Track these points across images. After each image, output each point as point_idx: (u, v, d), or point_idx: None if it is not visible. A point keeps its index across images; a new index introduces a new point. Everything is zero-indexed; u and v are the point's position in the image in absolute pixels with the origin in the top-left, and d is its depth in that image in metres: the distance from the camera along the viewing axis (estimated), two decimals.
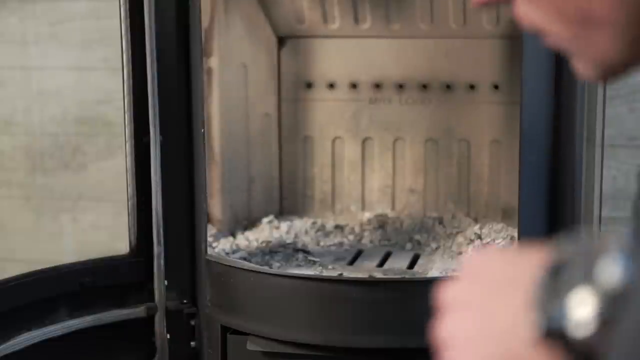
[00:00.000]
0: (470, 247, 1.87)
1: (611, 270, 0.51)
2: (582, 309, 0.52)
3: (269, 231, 2.02)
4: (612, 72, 0.61)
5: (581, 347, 0.52)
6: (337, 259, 1.89)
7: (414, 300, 1.61)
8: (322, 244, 1.97)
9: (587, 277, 0.52)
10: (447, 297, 0.60)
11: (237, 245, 1.93)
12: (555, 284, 0.54)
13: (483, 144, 2.06)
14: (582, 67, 0.62)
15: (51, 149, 2.26)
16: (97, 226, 2.27)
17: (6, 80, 2.26)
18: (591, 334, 0.52)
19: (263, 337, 1.68)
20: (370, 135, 2.12)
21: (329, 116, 2.13)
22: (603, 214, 1.95)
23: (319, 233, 2.02)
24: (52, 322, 1.73)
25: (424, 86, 2.07)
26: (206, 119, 1.81)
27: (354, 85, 2.10)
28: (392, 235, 2.01)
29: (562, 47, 0.62)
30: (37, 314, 1.71)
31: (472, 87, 2.05)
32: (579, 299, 0.52)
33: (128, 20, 1.74)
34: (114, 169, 2.17)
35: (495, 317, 0.56)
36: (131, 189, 1.79)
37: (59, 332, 1.73)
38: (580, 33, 0.60)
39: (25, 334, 1.69)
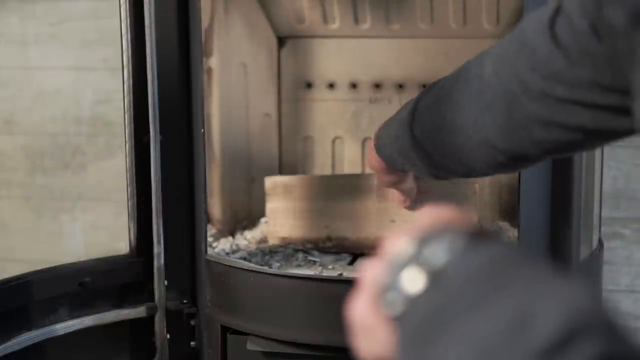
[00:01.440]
0: None
1: (437, 253, 0.56)
2: (410, 286, 0.57)
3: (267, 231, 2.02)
4: None
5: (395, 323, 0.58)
6: (337, 259, 1.89)
7: None
8: (322, 244, 1.97)
9: (417, 259, 0.57)
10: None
11: (237, 245, 1.93)
12: (393, 269, 0.59)
13: None
14: None
15: (51, 149, 2.26)
16: (97, 226, 2.27)
17: (6, 80, 2.26)
18: (399, 314, 0.57)
19: (263, 337, 1.68)
20: (370, 135, 2.12)
21: (329, 116, 2.13)
22: (603, 214, 1.95)
23: None
24: (52, 322, 1.73)
25: (424, 86, 2.07)
26: (206, 119, 1.81)
27: (354, 85, 2.10)
28: None
29: None
30: (37, 314, 1.71)
31: None
32: (409, 277, 0.57)
33: (128, 20, 1.74)
34: (114, 169, 2.17)
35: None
36: (131, 189, 1.79)
37: (59, 332, 1.73)
38: None
39: (25, 334, 1.69)
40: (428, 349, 0.53)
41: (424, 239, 0.58)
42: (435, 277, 0.55)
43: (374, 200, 1.89)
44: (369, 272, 0.64)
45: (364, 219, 1.89)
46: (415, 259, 0.57)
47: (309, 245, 1.92)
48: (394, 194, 1.44)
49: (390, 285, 0.59)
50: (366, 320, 0.63)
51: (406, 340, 0.56)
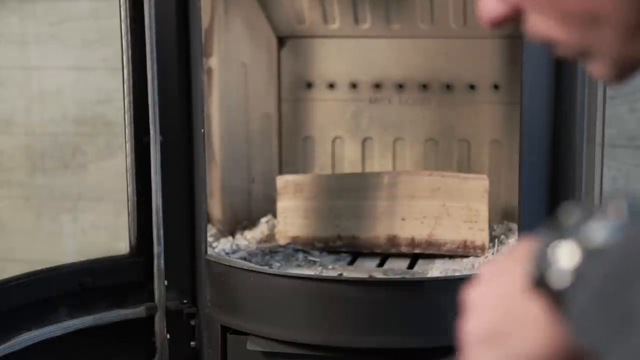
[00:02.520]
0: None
1: (599, 232, 0.55)
2: (563, 260, 0.56)
3: (267, 231, 2.02)
4: (628, 69, 0.61)
5: (560, 297, 0.56)
6: (337, 259, 1.89)
7: (413, 300, 1.61)
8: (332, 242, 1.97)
9: (575, 235, 0.56)
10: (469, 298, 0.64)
11: (237, 245, 1.93)
12: (548, 242, 0.58)
13: (483, 144, 2.06)
14: (598, 70, 0.63)
15: (51, 149, 2.26)
16: (97, 226, 2.27)
17: (6, 80, 2.26)
18: (568, 285, 0.56)
19: (263, 337, 1.68)
20: (370, 135, 2.12)
21: (329, 116, 2.13)
22: None
23: None
24: (52, 322, 1.73)
25: (424, 86, 2.07)
26: (206, 119, 1.81)
27: (354, 85, 2.10)
28: None
29: (575, 53, 0.63)
30: (37, 314, 1.71)
31: (472, 87, 2.05)
32: (563, 251, 0.56)
33: (128, 20, 1.74)
34: (114, 169, 2.17)
35: (501, 287, 0.61)
36: (131, 189, 1.79)
37: (59, 332, 1.73)
38: (590, 35, 0.60)
39: (25, 334, 1.69)
40: (624, 294, 0.52)
41: (570, 222, 0.58)
42: (595, 251, 0.55)
43: (384, 199, 1.89)
44: (500, 263, 0.62)
45: (374, 218, 1.89)
46: (570, 236, 0.57)
47: (319, 244, 1.92)
48: None
49: (544, 263, 0.58)
50: (514, 307, 0.60)
51: (589, 301, 0.54)
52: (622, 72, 0.62)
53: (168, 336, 1.81)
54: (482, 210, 1.86)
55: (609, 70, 0.62)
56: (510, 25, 0.66)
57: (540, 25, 0.63)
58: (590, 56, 0.63)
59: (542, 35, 0.63)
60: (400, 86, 2.08)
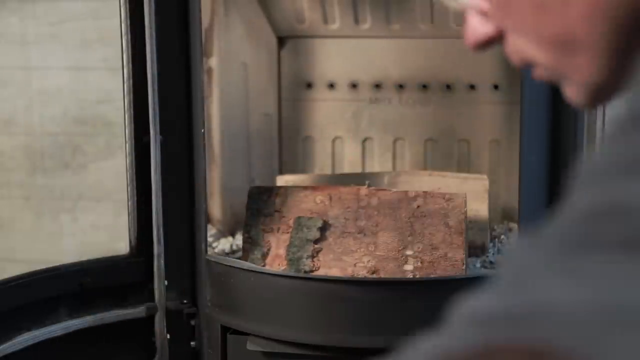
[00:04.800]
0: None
1: None
2: None
3: None
4: (600, 96, 0.61)
5: None
6: None
7: (414, 300, 1.62)
8: None
9: None
10: None
11: (237, 245, 1.93)
12: None
13: (483, 144, 2.06)
14: (573, 94, 0.63)
15: (51, 149, 2.26)
16: (97, 226, 2.27)
17: (6, 80, 2.26)
18: None
19: (263, 337, 1.68)
20: (370, 135, 2.12)
21: (329, 116, 2.13)
22: None
23: None
24: (52, 322, 1.73)
25: (424, 86, 2.07)
26: (206, 119, 1.81)
27: (354, 85, 2.10)
28: None
29: (551, 76, 0.64)
30: (37, 314, 1.71)
31: (472, 87, 2.05)
32: None
33: (128, 20, 1.74)
34: (114, 169, 2.17)
35: None
36: (131, 189, 1.79)
37: (59, 332, 1.73)
38: (564, 59, 0.61)
39: (25, 334, 1.69)
40: None
41: None
42: None
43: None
44: None
45: None
46: None
47: None
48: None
49: None
50: None
51: None
52: (596, 98, 0.62)
53: (168, 336, 1.82)
54: (482, 210, 1.86)
55: (583, 96, 0.62)
56: (493, 47, 0.66)
57: (520, 46, 0.64)
58: (566, 80, 0.63)
59: (521, 57, 0.65)
60: (400, 86, 2.08)
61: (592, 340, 0.41)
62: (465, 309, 0.48)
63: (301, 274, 1.71)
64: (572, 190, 0.50)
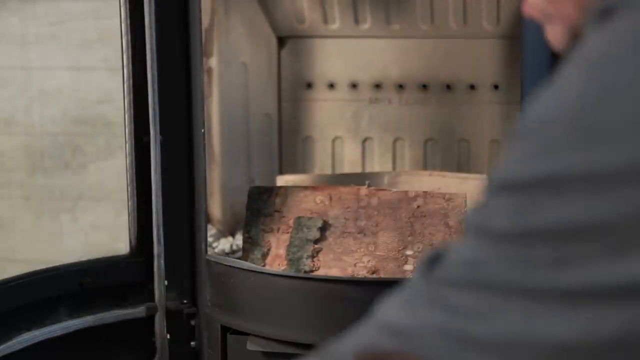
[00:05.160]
0: None
1: None
2: None
3: None
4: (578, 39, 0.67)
5: None
6: None
7: None
8: None
9: None
10: None
11: (237, 245, 1.93)
12: None
13: (483, 144, 2.06)
14: (553, 36, 0.70)
15: (51, 149, 2.26)
16: (97, 226, 2.27)
17: (6, 80, 2.26)
18: None
19: (263, 337, 1.68)
20: (370, 135, 2.12)
21: (329, 116, 2.13)
22: None
23: None
24: (52, 322, 1.73)
25: (424, 86, 2.07)
26: (206, 119, 1.81)
27: (354, 85, 2.10)
28: None
29: (540, 16, 0.70)
30: (37, 314, 1.71)
31: (472, 87, 2.05)
32: None
33: (128, 20, 1.74)
34: (114, 169, 2.17)
35: None
36: (131, 189, 1.79)
37: (59, 332, 1.73)
38: (556, 4, 0.68)
39: (25, 334, 1.69)
40: None
41: None
42: None
43: None
44: None
45: None
46: None
47: None
48: None
49: None
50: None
51: None
52: (574, 40, 0.67)
53: (168, 336, 1.81)
54: None
55: (563, 38, 0.68)
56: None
57: None
58: (550, 22, 0.69)
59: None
60: (400, 86, 2.08)
61: (445, 356, 0.57)
62: (381, 315, 0.66)
63: (301, 274, 1.71)
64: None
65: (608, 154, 0.51)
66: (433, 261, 0.63)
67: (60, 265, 1.79)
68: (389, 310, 0.65)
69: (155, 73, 1.74)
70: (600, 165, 0.51)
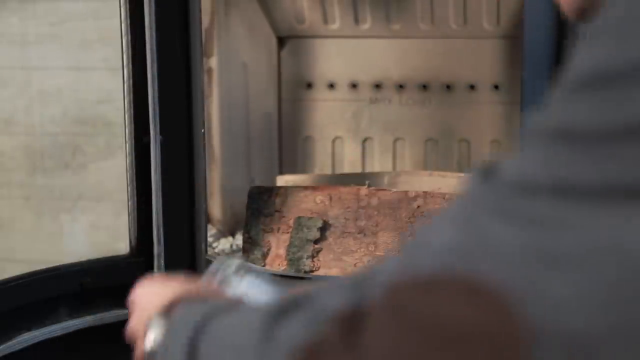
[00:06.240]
0: None
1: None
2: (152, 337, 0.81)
3: None
4: (589, 8, 0.63)
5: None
6: None
7: None
8: None
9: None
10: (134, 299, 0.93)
11: (237, 245, 1.93)
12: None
13: (483, 144, 2.06)
14: (567, 2, 0.65)
15: (51, 149, 2.26)
16: (97, 226, 2.27)
17: (6, 80, 2.26)
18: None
19: None
20: (370, 135, 2.12)
21: (329, 116, 2.13)
22: None
23: None
24: (52, 322, 1.73)
25: (424, 86, 2.07)
26: (206, 119, 1.81)
27: (354, 85, 2.10)
28: None
29: None
30: (37, 314, 1.71)
31: (472, 87, 2.05)
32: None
33: (128, 20, 1.74)
34: (114, 169, 2.17)
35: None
36: (131, 189, 1.79)
37: (59, 332, 1.73)
38: None
39: (25, 334, 1.69)
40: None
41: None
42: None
43: None
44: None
45: None
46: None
47: None
48: None
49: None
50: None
51: None
52: (583, 9, 0.63)
53: None
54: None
55: (574, 4, 0.63)
56: None
57: None
58: None
59: None
60: (400, 86, 2.08)
61: (523, 278, 0.48)
62: (422, 237, 0.54)
63: (301, 274, 1.71)
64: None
65: None
66: (488, 173, 0.54)
67: (60, 265, 1.79)
68: (434, 232, 0.54)
69: (155, 73, 1.74)
70: None
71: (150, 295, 0.88)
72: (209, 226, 1.89)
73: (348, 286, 0.58)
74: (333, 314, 0.56)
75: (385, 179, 1.92)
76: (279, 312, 0.61)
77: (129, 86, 1.76)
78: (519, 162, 0.52)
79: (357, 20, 2.03)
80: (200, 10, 1.74)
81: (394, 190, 1.77)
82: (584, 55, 0.51)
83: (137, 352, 0.86)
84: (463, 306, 0.49)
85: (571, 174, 0.49)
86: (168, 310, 0.81)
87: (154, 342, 0.81)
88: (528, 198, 0.50)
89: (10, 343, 1.66)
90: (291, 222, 1.73)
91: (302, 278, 1.68)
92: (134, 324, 0.89)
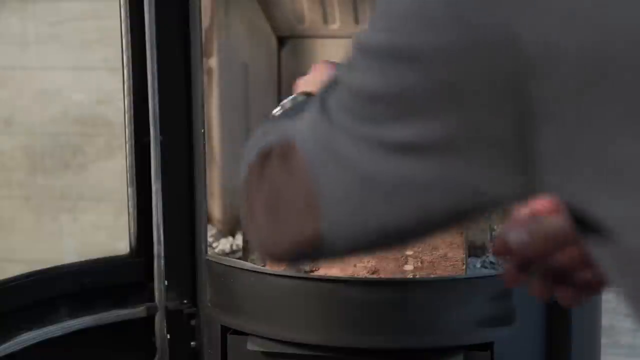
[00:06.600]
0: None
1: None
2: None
3: None
4: None
5: None
6: None
7: (414, 300, 1.61)
8: None
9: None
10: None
11: (237, 245, 1.93)
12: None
13: None
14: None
15: (51, 149, 2.26)
16: (97, 226, 2.27)
17: (6, 80, 2.26)
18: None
19: (263, 337, 1.68)
20: None
21: None
22: None
23: None
24: (52, 322, 1.73)
25: None
26: (206, 119, 1.81)
27: None
28: None
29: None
30: (37, 314, 1.71)
31: None
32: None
33: (128, 20, 1.74)
34: (114, 169, 2.17)
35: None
36: (131, 189, 1.79)
37: (59, 332, 1.73)
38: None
39: (25, 334, 1.69)
40: None
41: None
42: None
43: None
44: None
45: None
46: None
47: None
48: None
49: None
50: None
51: None
52: None
53: (168, 336, 1.81)
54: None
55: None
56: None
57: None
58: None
59: None
60: None
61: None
62: (299, 119, 0.86)
63: (301, 274, 1.71)
64: None
65: (406, 37, 0.70)
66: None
67: (60, 265, 1.79)
68: (302, 119, 0.83)
69: (155, 73, 1.75)
70: (399, 45, 0.71)
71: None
72: (209, 226, 1.89)
73: (273, 131, 0.92)
74: (261, 149, 0.91)
75: None
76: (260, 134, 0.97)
77: (129, 86, 1.76)
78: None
79: (357, 20, 2.03)
80: (200, 10, 1.74)
81: None
82: (370, 27, 0.78)
83: None
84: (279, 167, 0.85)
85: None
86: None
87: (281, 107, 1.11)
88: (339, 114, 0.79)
89: (10, 343, 1.66)
90: None
91: (302, 278, 1.68)
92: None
